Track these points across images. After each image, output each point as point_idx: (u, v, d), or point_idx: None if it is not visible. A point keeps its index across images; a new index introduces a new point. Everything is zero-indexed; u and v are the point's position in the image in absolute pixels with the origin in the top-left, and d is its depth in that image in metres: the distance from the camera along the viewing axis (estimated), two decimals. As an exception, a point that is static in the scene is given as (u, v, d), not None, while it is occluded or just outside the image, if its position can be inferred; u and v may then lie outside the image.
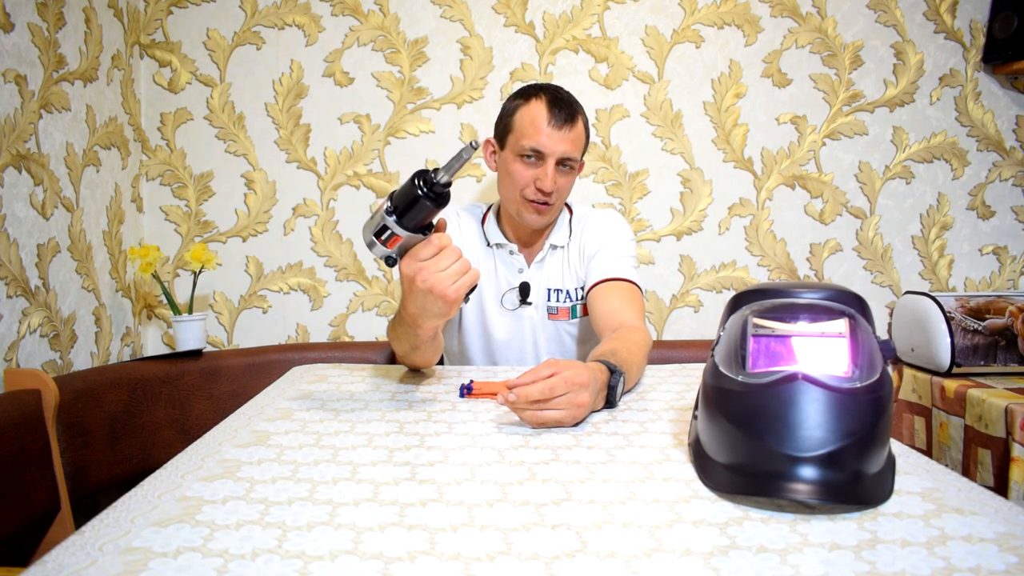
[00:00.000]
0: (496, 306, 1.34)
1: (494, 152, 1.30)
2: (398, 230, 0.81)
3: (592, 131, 1.77)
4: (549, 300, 1.33)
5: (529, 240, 1.33)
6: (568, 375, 0.81)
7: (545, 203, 1.22)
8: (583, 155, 1.28)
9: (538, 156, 1.20)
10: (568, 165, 1.22)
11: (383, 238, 0.83)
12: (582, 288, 1.32)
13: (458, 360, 1.43)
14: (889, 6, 1.76)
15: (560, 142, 1.18)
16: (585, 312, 1.32)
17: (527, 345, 1.34)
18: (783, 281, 1.75)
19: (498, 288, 1.34)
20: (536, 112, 1.19)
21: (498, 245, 1.33)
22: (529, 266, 1.33)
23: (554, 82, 1.74)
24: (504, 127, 1.25)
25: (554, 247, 1.33)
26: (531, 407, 0.81)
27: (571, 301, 1.33)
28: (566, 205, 1.39)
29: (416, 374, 1.15)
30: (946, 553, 0.51)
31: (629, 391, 1.01)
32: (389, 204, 0.81)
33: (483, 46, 1.74)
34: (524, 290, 1.31)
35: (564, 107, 1.20)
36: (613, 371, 0.91)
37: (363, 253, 1.79)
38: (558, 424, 0.82)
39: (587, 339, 1.36)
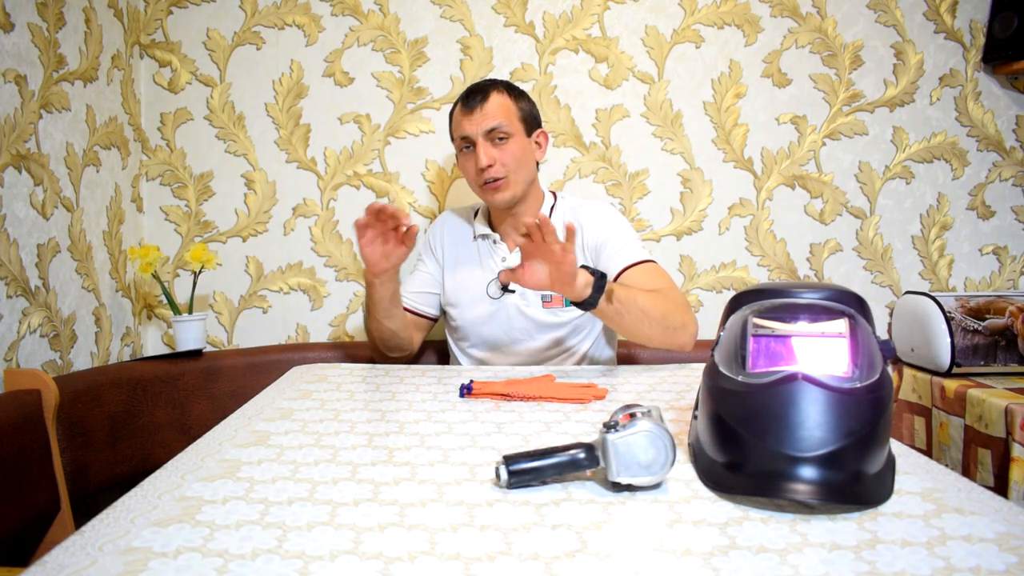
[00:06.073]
0: (483, 295, 1.38)
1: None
2: None
3: (592, 131, 1.77)
4: None
5: (510, 229, 1.37)
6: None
7: (494, 179, 1.28)
8: (529, 123, 1.32)
9: (469, 143, 1.29)
10: (500, 136, 1.27)
11: None
12: None
13: (458, 348, 1.44)
14: (889, 6, 1.76)
15: (478, 121, 1.27)
16: None
17: (516, 332, 1.35)
18: (783, 281, 1.75)
19: (485, 278, 1.38)
20: (455, 111, 1.33)
21: (483, 236, 1.39)
22: (511, 253, 1.36)
23: (554, 82, 1.76)
24: (452, 139, 1.37)
25: None
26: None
27: None
28: (552, 193, 1.41)
29: (416, 374, 1.15)
30: (946, 553, 0.51)
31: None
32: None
33: (483, 46, 1.74)
34: None
35: (474, 91, 1.30)
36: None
37: (363, 253, 1.79)
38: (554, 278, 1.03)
39: (583, 329, 1.35)
